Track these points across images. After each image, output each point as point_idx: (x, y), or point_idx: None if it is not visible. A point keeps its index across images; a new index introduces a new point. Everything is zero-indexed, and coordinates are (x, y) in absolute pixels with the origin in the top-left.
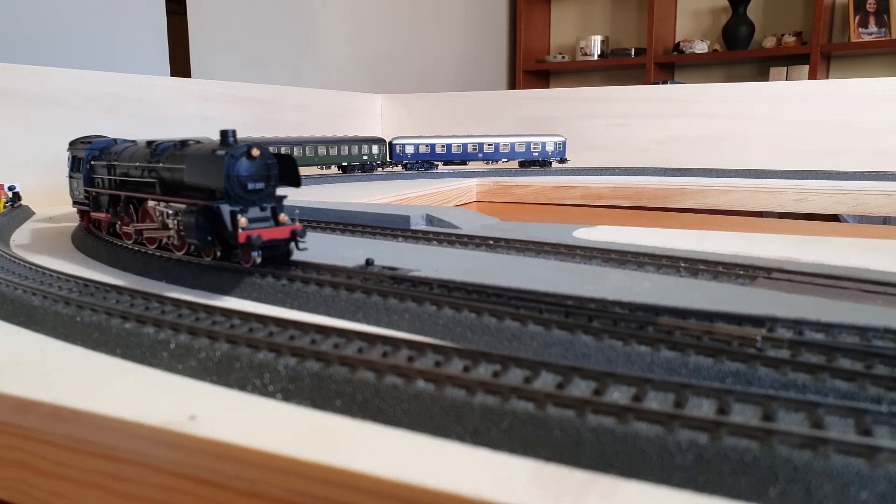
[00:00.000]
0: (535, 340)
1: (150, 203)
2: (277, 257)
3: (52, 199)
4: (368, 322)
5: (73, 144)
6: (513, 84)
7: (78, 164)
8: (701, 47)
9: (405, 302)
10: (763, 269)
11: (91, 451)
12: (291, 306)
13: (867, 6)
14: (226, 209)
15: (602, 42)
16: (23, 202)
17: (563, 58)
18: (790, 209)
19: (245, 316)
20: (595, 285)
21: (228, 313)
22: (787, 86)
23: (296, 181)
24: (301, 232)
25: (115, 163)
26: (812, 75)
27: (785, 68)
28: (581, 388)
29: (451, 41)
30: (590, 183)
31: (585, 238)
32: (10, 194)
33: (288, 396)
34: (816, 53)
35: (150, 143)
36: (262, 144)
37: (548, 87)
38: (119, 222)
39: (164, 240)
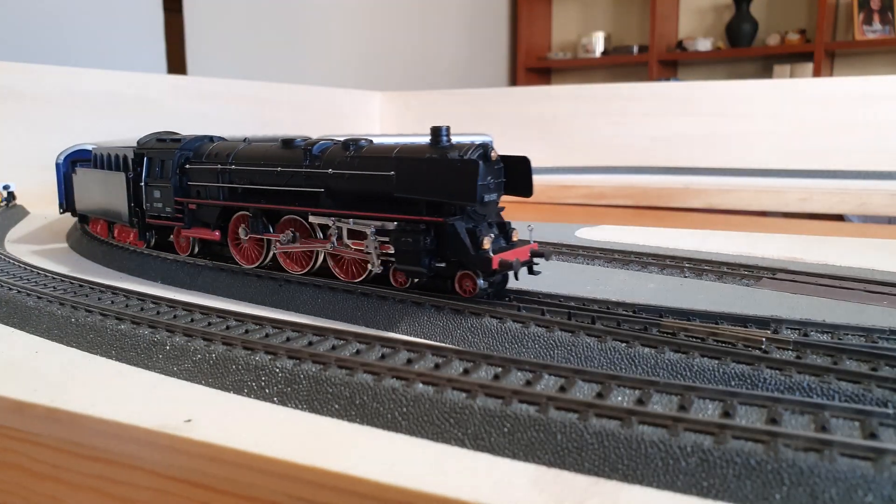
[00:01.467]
0: (536, 342)
1: (315, 219)
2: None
3: (47, 198)
4: (367, 324)
5: (144, 143)
6: (514, 81)
7: (158, 169)
8: (704, 45)
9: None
10: (767, 270)
11: (86, 454)
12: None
13: (871, 4)
14: (461, 227)
15: (604, 39)
16: (17, 202)
17: (565, 55)
18: (794, 209)
19: (241, 317)
20: (598, 286)
21: (224, 314)
22: (791, 84)
23: (527, 189)
24: (544, 252)
25: (233, 167)
26: (816, 73)
27: (789, 66)
28: (583, 392)
29: (452, 38)
30: (592, 182)
31: (588, 238)
32: (4, 194)
33: (284, 399)
34: (820, 51)
35: (286, 141)
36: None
37: (549, 84)
38: (228, 240)
39: (328, 263)
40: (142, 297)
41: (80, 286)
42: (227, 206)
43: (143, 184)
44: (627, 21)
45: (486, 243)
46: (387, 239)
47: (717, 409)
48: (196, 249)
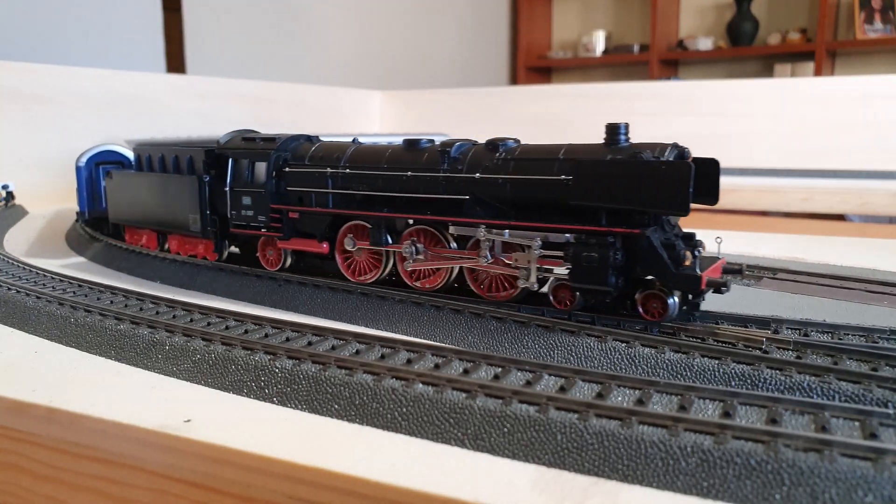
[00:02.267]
0: (536, 342)
1: (456, 230)
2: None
3: (46, 198)
4: (366, 324)
5: (227, 144)
6: (514, 81)
7: (248, 173)
8: (705, 44)
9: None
10: (768, 270)
11: (85, 454)
12: None
13: (872, 3)
14: (657, 240)
15: (605, 38)
16: (16, 201)
17: (566, 54)
18: (795, 208)
19: (241, 317)
20: None
21: (224, 314)
22: (792, 83)
23: (713, 195)
24: (740, 268)
25: (347, 171)
26: (817, 72)
27: (790, 65)
28: (583, 392)
29: (452, 37)
30: None
31: None
32: (3, 193)
33: (284, 400)
34: (821, 50)
35: (411, 142)
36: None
37: (550, 83)
38: (336, 253)
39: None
40: (141, 297)
41: (80, 286)
42: (340, 215)
43: (227, 189)
44: (628, 20)
45: (689, 259)
46: (558, 253)
47: (718, 410)
48: (288, 263)
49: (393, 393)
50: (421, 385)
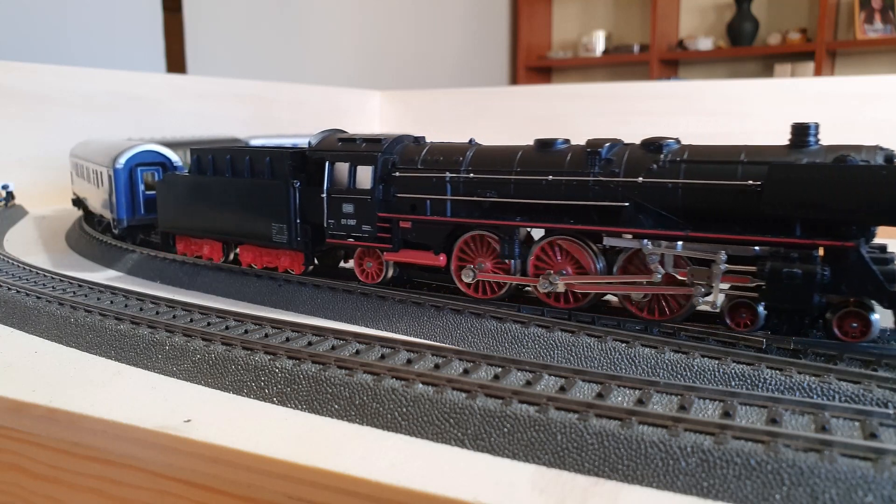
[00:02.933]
0: (536, 342)
1: (613, 241)
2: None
3: (46, 197)
4: (366, 324)
5: (322, 145)
6: (514, 80)
7: (350, 178)
8: (705, 44)
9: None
10: None
11: (85, 454)
12: None
13: (872, 3)
14: (866, 253)
15: (605, 38)
16: (16, 201)
17: (566, 54)
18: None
19: (241, 317)
20: None
21: (224, 315)
22: (792, 83)
23: None
24: None
25: (470, 175)
26: (817, 72)
27: (790, 65)
28: (583, 392)
29: (452, 37)
30: None
31: None
32: (3, 193)
33: (284, 400)
34: (822, 50)
35: (544, 143)
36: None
37: (550, 83)
38: (452, 266)
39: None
40: (141, 297)
41: (80, 286)
42: (460, 225)
43: (324, 195)
44: (628, 20)
45: None
46: (749, 269)
47: (718, 410)
48: (389, 275)
49: (393, 393)
50: (421, 385)
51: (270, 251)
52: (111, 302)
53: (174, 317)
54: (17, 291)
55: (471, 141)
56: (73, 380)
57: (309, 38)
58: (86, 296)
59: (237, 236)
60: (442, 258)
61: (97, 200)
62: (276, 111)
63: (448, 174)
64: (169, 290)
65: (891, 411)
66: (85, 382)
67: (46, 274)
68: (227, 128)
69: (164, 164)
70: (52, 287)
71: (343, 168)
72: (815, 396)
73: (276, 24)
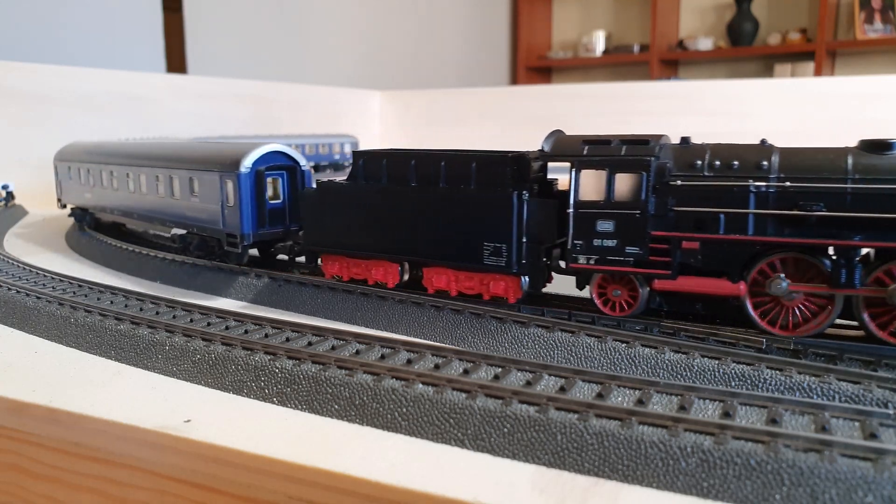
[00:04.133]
0: (536, 342)
1: None
2: None
3: (46, 198)
4: (366, 324)
5: (564, 147)
6: (514, 80)
7: (607, 187)
8: (705, 44)
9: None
10: None
11: (85, 455)
12: None
13: (872, 3)
14: None
15: (605, 38)
16: (16, 201)
17: (566, 54)
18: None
19: (241, 317)
20: None
21: (224, 315)
22: (792, 83)
23: None
24: None
25: (788, 184)
26: (817, 72)
27: (790, 65)
28: (583, 392)
29: (452, 37)
30: None
31: None
32: (3, 193)
33: (284, 400)
34: (822, 50)
35: (878, 144)
36: None
37: (550, 83)
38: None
39: None
40: (141, 297)
41: (80, 286)
42: (771, 244)
43: (570, 210)
44: (628, 20)
45: None
46: None
47: (718, 410)
48: (642, 307)
49: (393, 393)
50: (421, 385)
51: (473, 275)
52: (111, 302)
53: (174, 317)
54: (17, 291)
55: (762, 142)
56: (73, 380)
57: (309, 38)
58: (86, 296)
59: (424, 257)
60: (742, 287)
61: (176, 211)
62: (276, 111)
63: (752, 182)
64: (169, 290)
65: (891, 411)
66: (85, 382)
67: (46, 274)
68: (228, 128)
69: (291, 168)
70: (52, 287)
71: (595, 177)
72: (815, 396)
73: (276, 24)
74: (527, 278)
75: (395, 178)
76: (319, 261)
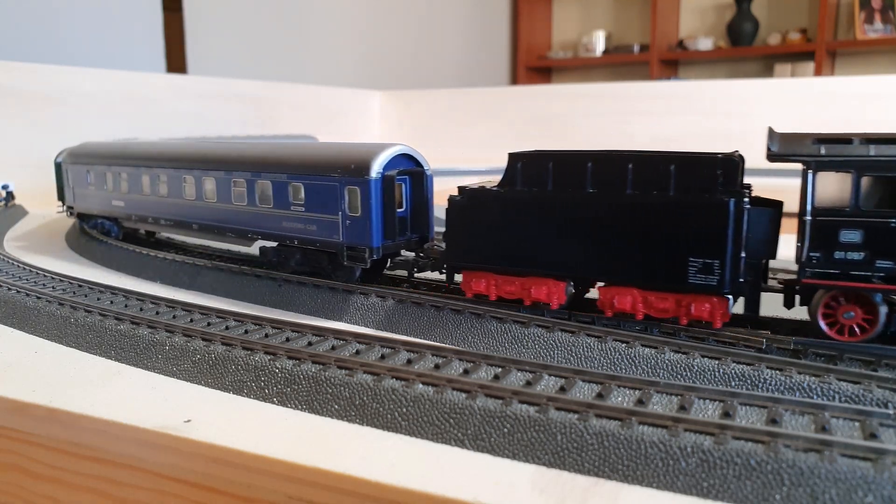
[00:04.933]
0: (536, 342)
1: None
2: None
3: (46, 198)
4: (366, 324)
5: (786, 147)
6: (514, 80)
7: (853, 193)
8: (705, 44)
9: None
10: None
11: (85, 455)
12: None
13: (872, 3)
14: None
15: (605, 38)
16: (16, 201)
17: (566, 54)
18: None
19: (240, 317)
20: None
21: (224, 315)
22: (792, 83)
23: None
24: None
25: None
26: (817, 72)
27: (790, 65)
28: (583, 392)
29: (452, 37)
30: None
31: None
32: (3, 193)
33: (284, 400)
34: (822, 50)
35: None
36: None
37: (550, 83)
38: None
39: None
40: (141, 297)
41: (80, 286)
42: None
43: (807, 218)
44: (628, 20)
45: None
46: None
47: (718, 410)
48: (879, 330)
49: (393, 393)
50: (421, 385)
51: (668, 296)
52: (111, 302)
53: (174, 317)
54: (17, 291)
55: None
56: (73, 380)
57: (309, 38)
58: (86, 296)
59: (603, 274)
60: None
61: (264, 222)
62: (276, 111)
63: None
64: (169, 290)
65: (891, 411)
66: (85, 382)
67: (46, 274)
68: (228, 128)
69: (417, 173)
70: (52, 287)
71: (838, 180)
72: (815, 397)
73: (276, 24)
74: (732, 298)
75: (565, 183)
76: (458, 277)
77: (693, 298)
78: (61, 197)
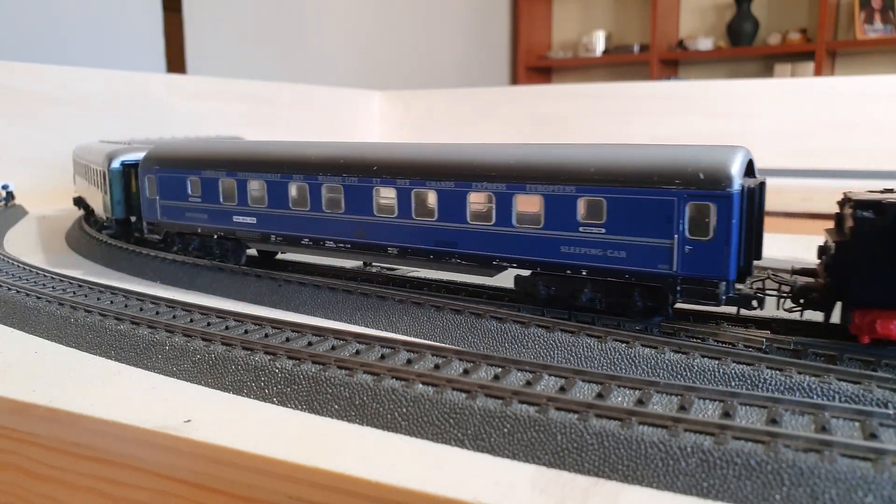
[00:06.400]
0: (536, 342)
1: None
2: None
3: (46, 198)
4: (366, 324)
5: None
6: (514, 80)
7: None
8: (705, 44)
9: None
10: (768, 270)
11: (85, 455)
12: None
13: (872, 3)
14: None
15: (605, 38)
16: (16, 201)
17: (566, 54)
18: (796, 209)
19: (240, 317)
20: None
21: (224, 315)
22: (792, 83)
23: None
24: None
25: None
26: (817, 72)
27: (790, 65)
28: (583, 392)
29: (452, 37)
30: None
31: None
32: (3, 193)
33: (284, 400)
34: (822, 50)
35: None
36: None
37: (550, 83)
38: None
39: None
40: (141, 297)
41: (80, 286)
42: None
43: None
44: (628, 20)
45: None
46: None
47: (718, 410)
48: None
49: (393, 393)
50: (421, 385)
51: None
52: (111, 302)
53: (174, 317)
54: (17, 291)
55: None
56: (73, 380)
57: (309, 38)
58: (86, 296)
59: None
60: None
61: (522, 245)
62: (276, 111)
63: None
64: (169, 290)
65: (891, 411)
66: (85, 382)
67: (46, 274)
68: (228, 128)
69: (761, 184)
70: (52, 287)
71: None
72: (815, 397)
73: (277, 23)
74: None
75: None
76: (848, 317)
77: None
78: (128, 213)
